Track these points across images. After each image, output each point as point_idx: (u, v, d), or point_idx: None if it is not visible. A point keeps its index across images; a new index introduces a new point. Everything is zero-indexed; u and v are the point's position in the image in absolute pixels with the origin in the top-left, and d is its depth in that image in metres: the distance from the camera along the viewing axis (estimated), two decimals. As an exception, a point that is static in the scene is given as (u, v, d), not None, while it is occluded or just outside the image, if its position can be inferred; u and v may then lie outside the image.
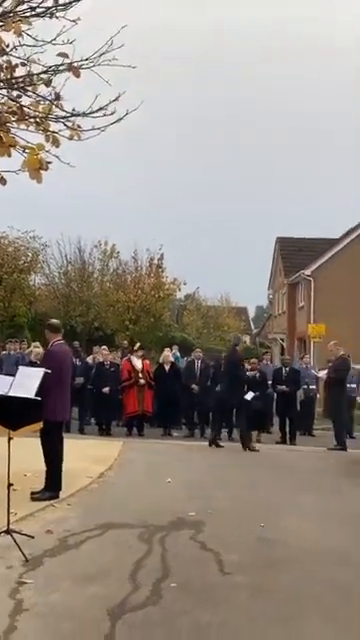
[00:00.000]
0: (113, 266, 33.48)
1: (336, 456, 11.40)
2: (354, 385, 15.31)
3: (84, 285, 32.22)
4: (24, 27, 5.76)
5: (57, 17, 5.92)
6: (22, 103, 6.40)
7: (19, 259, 31.50)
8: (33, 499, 6.98)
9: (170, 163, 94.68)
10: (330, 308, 26.98)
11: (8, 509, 5.59)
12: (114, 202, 75.87)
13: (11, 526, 5.57)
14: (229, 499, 7.63)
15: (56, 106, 6.41)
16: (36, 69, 6.31)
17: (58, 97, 6.34)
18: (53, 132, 6.36)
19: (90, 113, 6.35)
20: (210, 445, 11.93)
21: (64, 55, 5.74)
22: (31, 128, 6.47)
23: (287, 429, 14.01)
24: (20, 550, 5.21)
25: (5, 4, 5.85)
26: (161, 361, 15.04)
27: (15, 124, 6.44)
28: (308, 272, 29.52)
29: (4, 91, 6.37)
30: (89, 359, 15.87)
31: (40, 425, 6.17)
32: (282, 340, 35.58)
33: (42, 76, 6.04)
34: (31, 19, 5.86)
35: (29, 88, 6.16)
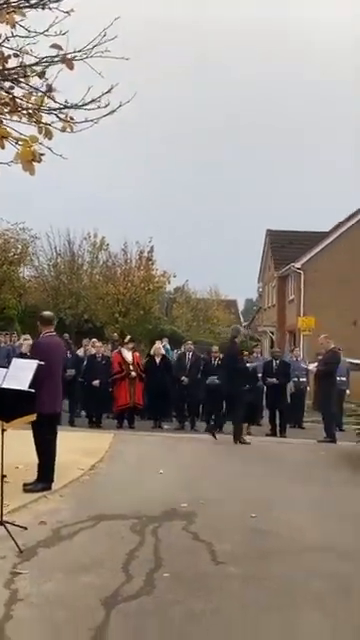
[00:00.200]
0: (103, 258, 33.44)
1: (326, 448, 11.48)
2: (344, 378, 15.40)
3: (73, 277, 32.15)
4: (17, 18, 5.73)
5: (50, 8, 5.89)
6: (14, 94, 6.38)
7: (9, 251, 31.39)
8: (26, 491, 7.00)
9: (160, 155, 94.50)
10: (320, 301, 27.14)
11: (1, 500, 5.61)
12: (102, 194, 75.65)
13: (4, 517, 5.60)
14: (220, 490, 7.69)
15: (49, 97, 6.39)
16: (29, 60, 6.29)
17: (50, 89, 6.32)
18: (46, 124, 6.35)
19: (83, 105, 6.34)
20: (208, 431, 12.09)
21: (58, 47, 5.72)
22: (24, 120, 6.45)
23: (277, 421, 14.11)
24: (14, 541, 5.24)
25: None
26: (152, 353, 15.05)
27: (8, 115, 6.43)
28: (298, 265, 29.64)
29: (-4, 82, 6.34)
30: (79, 351, 15.87)
31: (33, 417, 6.18)
32: (272, 333, 35.72)
33: (35, 68, 6.01)
34: (24, 10, 5.83)
35: (22, 79, 6.13)
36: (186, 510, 6.65)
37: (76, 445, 9.40)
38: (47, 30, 6.03)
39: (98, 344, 15.36)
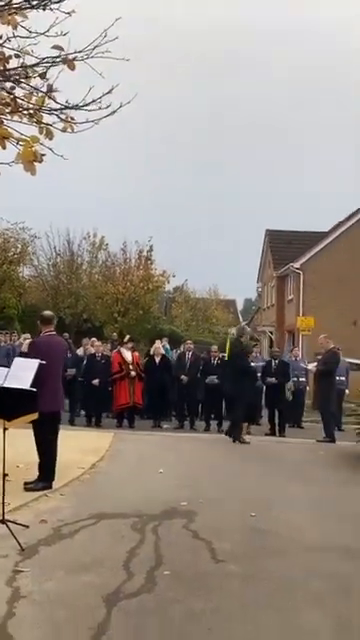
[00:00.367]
0: (102, 258, 33.49)
1: (325, 448, 11.52)
2: (343, 378, 15.43)
3: (73, 277, 32.19)
4: (19, 19, 5.76)
5: (51, 9, 5.91)
6: (15, 95, 6.40)
7: (9, 250, 31.42)
8: (26, 489, 7.03)
9: (160, 155, 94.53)
10: (319, 301, 27.20)
11: (3, 499, 5.64)
12: (103, 193, 75.66)
13: (6, 516, 5.62)
14: (220, 489, 7.72)
15: (49, 97, 6.41)
16: (29, 61, 6.31)
17: (51, 89, 6.34)
18: (47, 124, 6.37)
19: (83, 106, 6.36)
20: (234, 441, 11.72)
21: (59, 48, 5.74)
22: (25, 120, 6.47)
23: (276, 421, 14.14)
24: (15, 539, 5.27)
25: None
26: (152, 353, 15.08)
27: (9, 116, 6.44)
28: (297, 265, 29.67)
29: (-2, 83, 6.36)
30: (79, 351, 15.91)
31: (35, 416, 6.20)
32: (271, 333, 35.74)
33: (37, 69, 6.03)
34: (25, 11, 5.85)
35: (23, 80, 6.15)
36: (186, 509, 6.68)
37: (76, 444, 9.43)
38: (48, 30, 6.06)
39: (97, 343, 15.40)
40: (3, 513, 5.60)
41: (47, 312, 8.24)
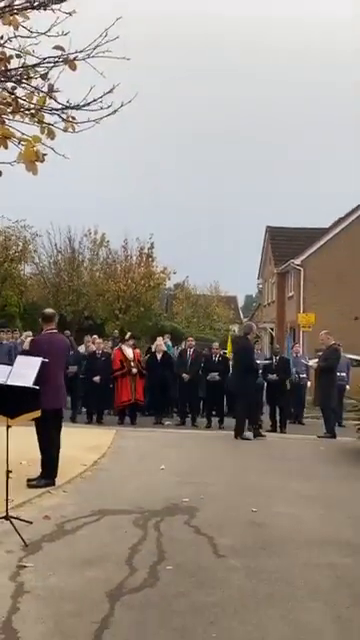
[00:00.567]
0: (103, 255, 33.53)
1: (326, 444, 11.56)
2: (344, 374, 15.48)
3: (74, 274, 32.25)
4: (20, 19, 5.79)
5: (52, 10, 5.95)
6: (17, 95, 6.43)
7: (10, 248, 31.49)
8: (29, 486, 7.10)
9: (161, 154, 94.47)
10: (319, 297, 27.23)
11: (7, 495, 5.71)
12: (104, 192, 75.68)
13: (9, 512, 5.68)
14: (221, 485, 7.78)
15: (51, 97, 6.44)
16: (30, 61, 6.34)
17: (52, 89, 6.38)
18: (48, 124, 6.40)
19: (85, 105, 6.39)
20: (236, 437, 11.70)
21: (60, 48, 5.78)
22: (26, 120, 6.50)
23: (277, 417, 14.20)
24: (19, 535, 5.34)
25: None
26: (154, 349, 15.13)
27: (10, 116, 6.48)
28: (298, 261, 29.69)
29: (-1, 82, 6.39)
30: (81, 348, 15.96)
31: (38, 414, 6.26)
32: (272, 329, 35.78)
33: (38, 69, 6.06)
34: (27, 12, 5.88)
35: (25, 80, 6.19)
36: (188, 505, 6.75)
37: (79, 441, 9.49)
38: (49, 30, 6.09)
39: (98, 340, 15.44)
40: (7, 509, 5.66)
41: (48, 310, 8.29)
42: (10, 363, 6.56)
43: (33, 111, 6.45)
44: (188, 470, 8.63)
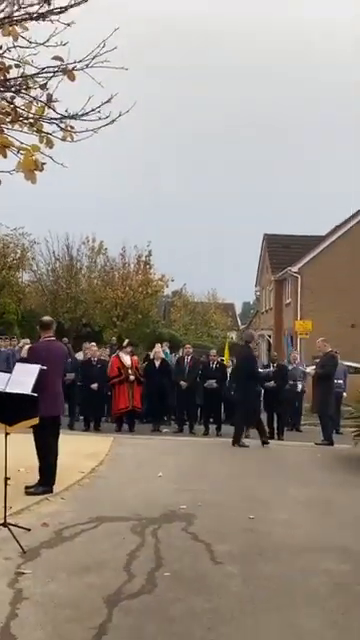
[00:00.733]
0: (101, 262, 33.61)
1: (323, 451, 11.58)
2: (341, 381, 15.51)
3: (72, 282, 32.31)
4: (19, 30, 5.86)
5: (51, 20, 6.01)
6: (16, 104, 6.49)
7: (8, 256, 31.55)
8: (27, 493, 7.11)
9: (159, 159, 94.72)
10: (317, 305, 27.28)
11: (5, 503, 5.73)
12: (102, 198, 75.80)
13: (8, 519, 5.70)
14: (219, 492, 7.80)
15: (49, 107, 6.50)
16: (29, 71, 6.40)
17: (51, 99, 6.43)
18: (47, 133, 6.46)
19: (83, 115, 6.45)
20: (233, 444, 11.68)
21: (59, 59, 5.84)
22: (25, 129, 6.56)
23: (275, 424, 14.22)
24: (17, 542, 5.36)
25: (1, 6, 5.94)
26: (152, 356, 15.15)
27: (9, 125, 6.53)
28: (295, 269, 29.77)
29: (-2, 92, 6.45)
30: (79, 355, 15.98)
31: (36, 421, 6.28)
32: (269, 336, 35.83)
33: (37, 79, 6.13)
34: (25, 22, 5.95)
35: (23, 90, 6.25)
36: (185, 512, 6.77)
37: (76, 448, 9.51)
38: (47, 41, 6.15)
39: (94, 348, 15.39)
40: (5, 516, 5.68)
41: (46, 317, 8.34)
42: (8, 370, 6.59)
43: (32, 120, 6.51)
44: (186, 477, 8.65)
